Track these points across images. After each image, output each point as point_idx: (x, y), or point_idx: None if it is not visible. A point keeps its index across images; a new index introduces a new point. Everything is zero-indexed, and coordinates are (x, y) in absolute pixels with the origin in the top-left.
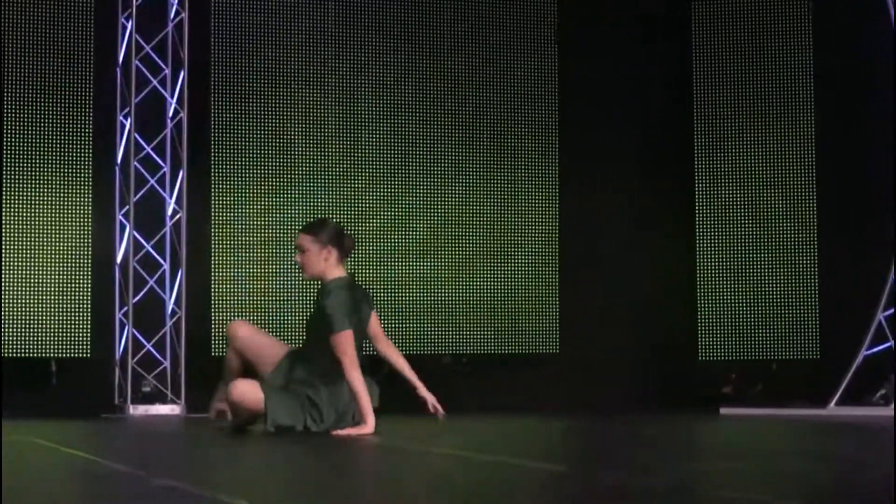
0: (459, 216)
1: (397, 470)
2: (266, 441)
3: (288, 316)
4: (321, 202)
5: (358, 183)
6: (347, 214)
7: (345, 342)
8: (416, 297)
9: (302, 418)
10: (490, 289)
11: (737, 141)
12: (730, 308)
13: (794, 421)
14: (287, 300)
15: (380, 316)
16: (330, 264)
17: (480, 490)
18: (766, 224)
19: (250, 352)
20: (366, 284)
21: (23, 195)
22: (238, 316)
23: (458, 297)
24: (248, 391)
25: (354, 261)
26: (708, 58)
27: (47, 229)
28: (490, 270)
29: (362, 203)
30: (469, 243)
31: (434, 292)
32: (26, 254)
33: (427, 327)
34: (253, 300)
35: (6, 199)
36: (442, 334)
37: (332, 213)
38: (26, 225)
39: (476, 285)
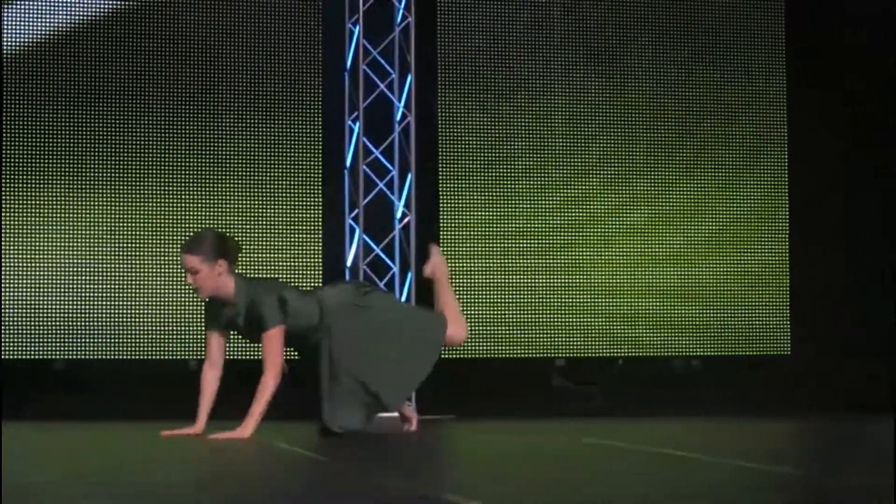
0: (688, 218)
1: (624, 470)
2: (487, 438)
3: (517, 317)
4: (550, 202)
5: (586, 183)
6: (575, 216)
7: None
8: (646, 300)
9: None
10: (719, 290)
11: None
12: None
13: None
14: (520, 300)
15: (611, 319)
16: (223, 277)
17: (710, 492)
18: None
19: None
20: (598, 285)
21: (254, 200)
22: (468, 318)
23: (688, 299)
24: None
25: (588, 263)
26: None
27: (278, 233)
28: (719, 271)
29: (590, 206)
30: (698, 245)
31: (664, 294)
32: (258, 258)
33: (657, 330)
34: (482, 303)
35: (240, 203)
36: (673, 337)
37: (560, 215)
38: (258, 230)
39: (706, 286)
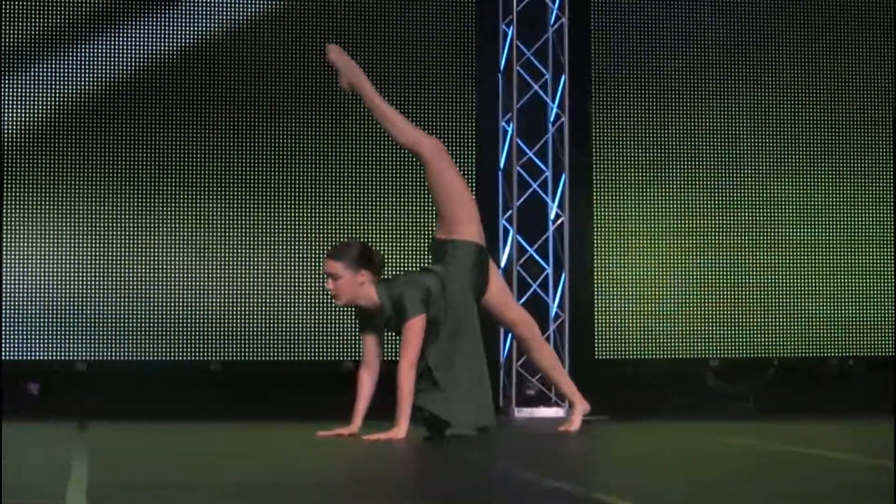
0: (844, 219)
1: (775, 471)
2: (640, 439)
3: (671, 317)
4: (703, 201)
5: (740, 182)
6: (729, 215)
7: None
8: (800, 300)
9: None
10: (874, 289)
11: None
12: None
13: None
14: (674, 300)
15: (766, 319)
16: (366, 287)
17: (858, 493)
18: None
19: None
20: (752, 285)
21: (409, 203)
22: (621, 319)
23: (843, 299)
24: None
25: (742, 263)
26: None
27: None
28: (876, 270)
29: (744, 205)
30: (855, 245)
31: (819, 294)
32: (411, 261)
33: (812, 330)
34: (636, 302)
35: (393, 206)
36: (828, 337)
37: (713, 214)
38: (411, 230)
39: (862, 286)
